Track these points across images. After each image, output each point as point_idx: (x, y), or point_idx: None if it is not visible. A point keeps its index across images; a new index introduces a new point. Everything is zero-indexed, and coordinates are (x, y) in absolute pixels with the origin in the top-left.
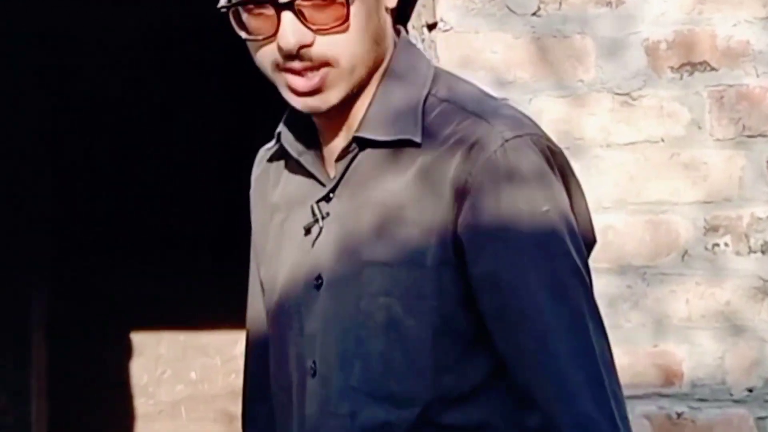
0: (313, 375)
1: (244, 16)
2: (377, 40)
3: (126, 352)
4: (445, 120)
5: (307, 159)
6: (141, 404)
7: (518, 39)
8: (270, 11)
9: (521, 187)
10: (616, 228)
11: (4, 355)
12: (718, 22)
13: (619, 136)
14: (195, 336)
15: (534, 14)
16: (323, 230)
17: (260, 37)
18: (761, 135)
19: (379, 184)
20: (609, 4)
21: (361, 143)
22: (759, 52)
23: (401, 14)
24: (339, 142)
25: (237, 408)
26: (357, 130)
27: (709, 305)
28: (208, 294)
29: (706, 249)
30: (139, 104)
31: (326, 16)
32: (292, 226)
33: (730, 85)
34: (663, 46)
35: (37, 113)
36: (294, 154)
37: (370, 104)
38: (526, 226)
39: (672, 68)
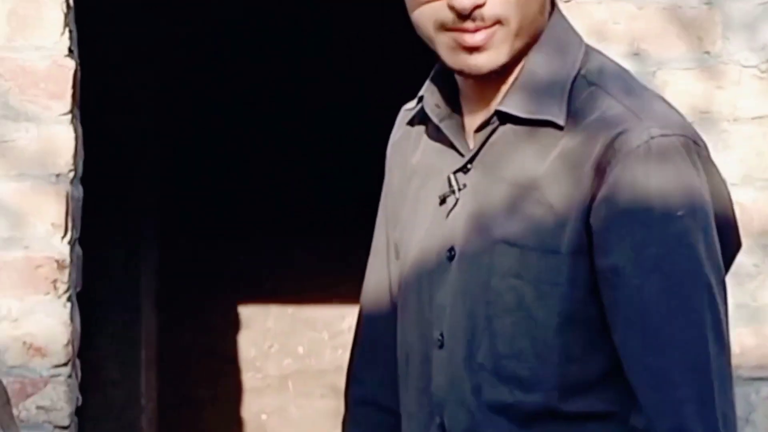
0: (440, 347)
1: None
2: (540, 10)
3: (234, 325)
4: (592, 106)
5: (448, 126)
6: (249, 378)
7: (642, 9)
8: None
9: (659, 187)
10: (743, 204)
11: (115, 329)
12: None
13: (746, 110)
14: (303, 310)
15: None
16: (459, 202)
17: None
18: None
19: (517, 162)
20: None
21: (503, 117)
22: None
23: None
24: (482, 113)
25: (344, 383)
26: (500, 104)
27: None
28: (317, 267)
29: None
30: (249, 78)
31: None
32: (428, 194)
33: None
34: None
35: (147, 89)
36: (435, 119)
37: (516, 77)
38: (656, 228)
39: None
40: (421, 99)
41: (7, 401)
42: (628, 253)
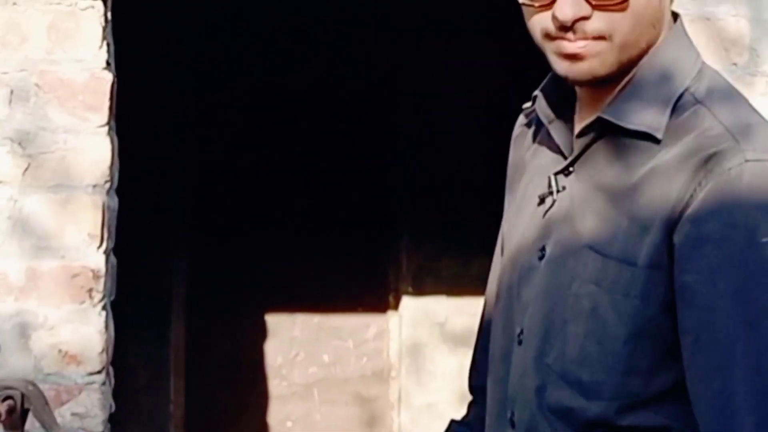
0: (520, 343)
1: None
2: (653, 23)
3: (261, 333)
4: (693, 123)
5: (556, 128)
6: (275, 386)
7: None
8: None
9: (746, 211)
10: None
11: (145, 334)
12: None
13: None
14: (328, 319)
15: None
16: (556, 203)
17: (536, 4)
18: None
19: (614, 171)
20: None
21: (605, 125)
22: None
23: None
24: (589, 118)
25: (368, 391)
26: (604, 111)
27: None
28: (342, 277)
29: None
30: (280, 87)
31: None
32: (533, 192)
33: None
34: None
35: (181, 93)
36: (544, 120)
37: (624, 87)
38: (738, 252)
39: None
40: (534, 99)
41: (46, 402)
42: (706, 274)
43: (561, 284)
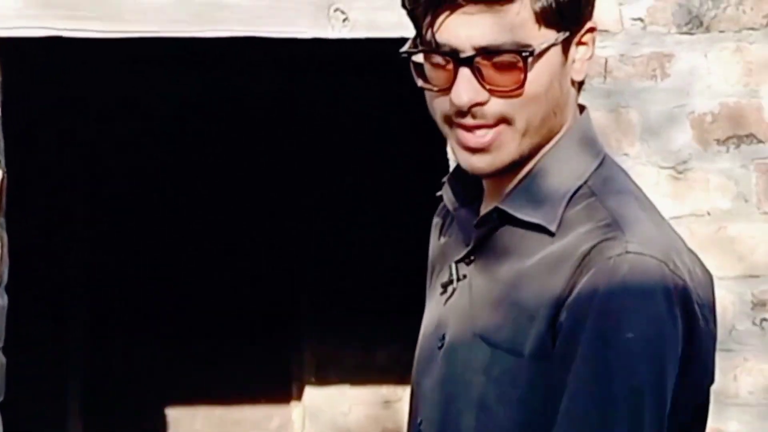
0: None
1: (425, 65)
2: (555, 111)
3: (161, 428)
4: (586, 215)
5: (461, 215)
6: None
7: None
8: (449, 64)
9: (616, 304)
10: None
11: None
12: (765, 94)
13: (664, 210)
14: (230, 411)
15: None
16: (456, 291)
17: (435, 89)
18: None
19: (508, 261)
20: (654, 77)
21: (503, 214)
22: None
23: None
24: (488, 207)
25: None
26: (502, 201)
27: (758, 381)
28: (244, 368)
29: (754, 324)
30: (175, 181)
31: (503, 78)
32: (438, 280)
33: None
34: (709, 118)
35: (75, 193)
36: (450, 207)
37: (523, 178)
38: (601, 345)
39: (718, 141)
40: (442, 186)
41: None
42: (569, 359)
43: (456, 374)
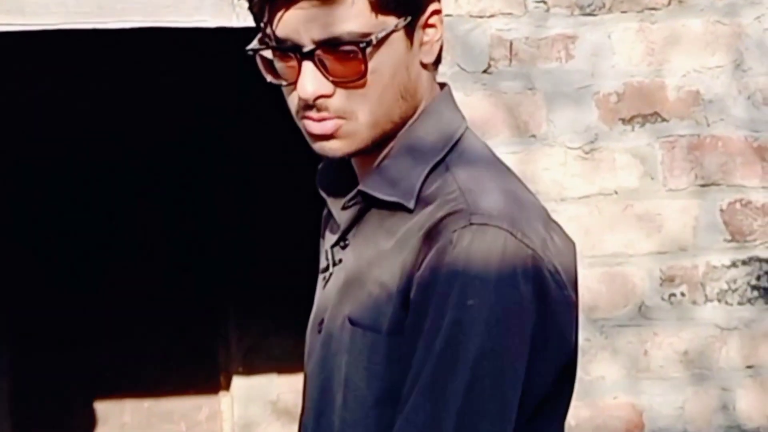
0: (308, 415)
1: (275, 61)
2: (404, 96)
3: (90, 421)
4: (439, 191)
5: (333, 201)
6: None
7: (469, 96)
8: (293, 59)
9: (459, 275)
10: None
11: None
12: (667, 73)
13: (572, 190)
14: (159, 402)
15: (485, 71)
16: (332, 276)
17: (284, 83)
18: (714, 184)
19: (373, 242)
20: (558, 59)
21: (366, 196)
22: (709, 101)
23: None
24: (354, 189)
25: None
26: (363, 183)
27: (668, 355)
28: (172, 359)
29: (663, 299)
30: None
31: (346, 69)
32: (320, 267)
33: (682, 136)
34: (613, 98)
35: None
36: (324, 195)
37: (384, 157)
38: (445, 314)
39: (623, 120)
40: (317, 176)
41: None
42: (424, 333)
43: (329, 357)
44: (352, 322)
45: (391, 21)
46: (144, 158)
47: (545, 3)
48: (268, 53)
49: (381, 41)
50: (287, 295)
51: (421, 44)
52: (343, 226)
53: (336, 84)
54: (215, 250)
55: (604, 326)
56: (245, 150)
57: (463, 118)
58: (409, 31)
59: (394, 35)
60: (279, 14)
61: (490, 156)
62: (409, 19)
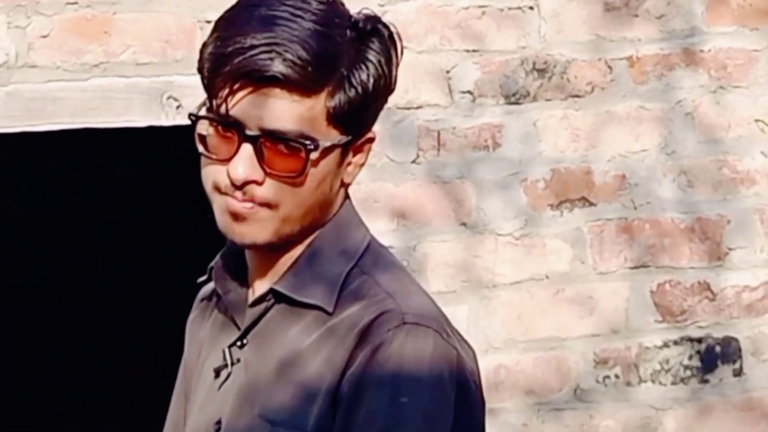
0: None
1: (209, 131)
2: (321, 206)
3: None
4: (360, 292)
5: (231, 299)
6: None
7: (399, 187)
8: (234, 137)
9: (394, 371)
10: (508, 367)
11: None
12: (593, 158)
13: (504, 276)
14: None
15: (413, 161)
16: (231, 375)
17: (214, 156)
18: (643, 266)
19: (284, 340)
20: (486, 147)
21: (277, 296)
22: (635, 184)
23: None
24: (261, 288)
25: None
26: (277, 283)
27: None
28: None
29: (598, 381)
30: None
31: (284, 164)
32: (209, 366)
33: (609, 219)
34: (541, 184)
35: None
36: (220, 291)
37: (297, 260)
38: (379, 411)
39: (552, 206)
40: (210, 271)
41: None
42: (358, 425)
43: None
44: (268, 420)
45: (336, 135)
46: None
47: (471, 93)
48: (205, 128)
49: (324, 150)
50: None
51: (349, 164)
52: (247, 324)
53: (268, 174)
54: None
55: (540, 410)
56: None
57: (365, 226)
58: (345, 150)
59: (334, 149)
60: (238, 92)
61: (397, 261)
62: (350, 138)
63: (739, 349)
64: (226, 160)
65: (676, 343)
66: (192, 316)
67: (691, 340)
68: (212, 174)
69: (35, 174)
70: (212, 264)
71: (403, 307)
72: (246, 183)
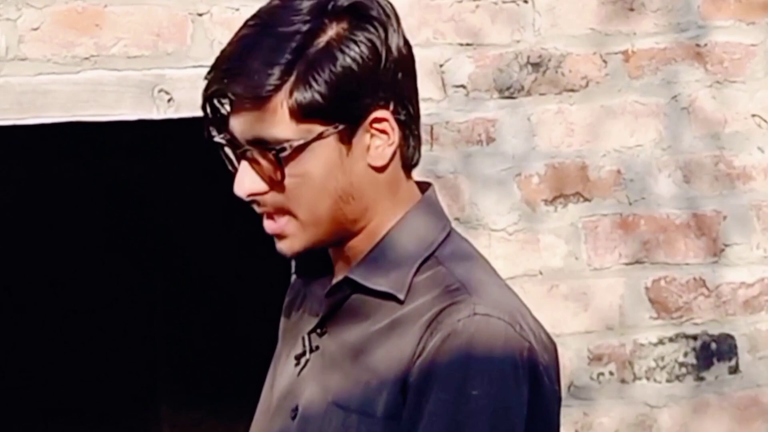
0: None
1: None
2: (344, 198)
3: None
4: (433, 282)
5: (312, 288)
6: None
7: None
8: (233, 155)
9: (464, 363)
10: None
11: None
12: (588, 153)
13: (498, 272)
14: None
15: None
16: (309, 362)
17: (234, 172)
18: (638, 262)
19: (359, 328)
20: (480, 141)
21: (353, 284)
22: (630, 180)
23: None
24: (339, 277)
25: None
26: (351, 272)
27: None
28: None
29: (592, 379)
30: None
31: (271, 171)
32: (292, 353)
33: (604, 215)
34: (535, 180)
35: None
36: (303, 281)
37: (373, 249)
38: (449, 402)
39: (546, 201)
40: (297, 261)
41: None
42: (425, 420)
43: None
44: (341, 406)
45: (316, 128)
46: (68, 249)
47: (465, 87)
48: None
49: (300, 148)
50: (219, 383)
51: (368, 148)
52: (324, 312)
53: (269, 184)
54: (150, 337)
55: None
56: (170, 240)
57: (447, 218)
58: (346, 137)
59: (323, 141)
60: (220, 114)
61: (477, 253)
62: (340, 127)
63: (735, 346)
64: None
65: (671, 339)
66: (286, 301)
67: (686, 337)
68: None
69: (26, 167)
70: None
71: (474, 298)
72: (251, 196)
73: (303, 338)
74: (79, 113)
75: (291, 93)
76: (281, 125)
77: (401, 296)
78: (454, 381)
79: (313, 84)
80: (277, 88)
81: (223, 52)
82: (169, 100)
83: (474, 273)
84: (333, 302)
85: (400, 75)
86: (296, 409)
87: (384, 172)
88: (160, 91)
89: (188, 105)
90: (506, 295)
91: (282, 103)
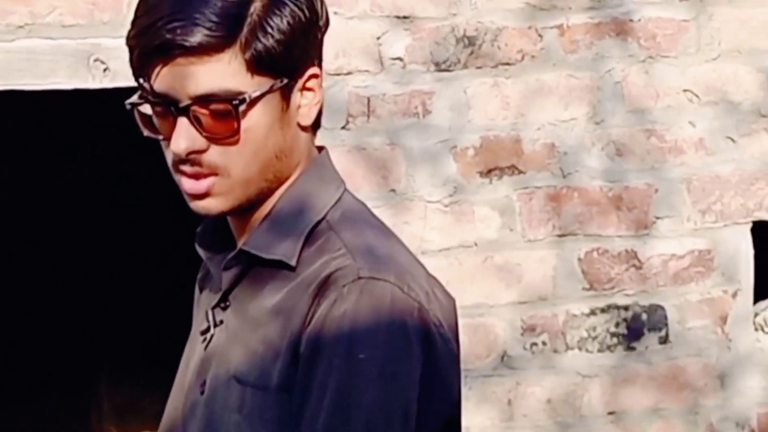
0: None
1: (153, 114)
2: (279, 156)
3: None
4: (323, 248)
5: (214, 262)
6: None
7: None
8: (170, 114)
9: (349, 329)
10: None
11: None
12: (523, 126)
13: (432, 243)
14: None
15: (343, 128)
16: (214, 337)
17: (161, 137)
18: (571, 234)
19: (256, 300)
20: (416, 114)
21: (248, 256)
22: (564, 153)
23: None
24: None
25: None
26: (245, 243)
27: (531, 404)
28: (43, 425)
29: (525, 349)
30: None
31: (220, 127)
32: (198, 329)
33: (538, 187)
34: (471, 152)
35: None
36: (203, 256)
37: (265, 217)
38: (336, 369)
39: (481, 173)
40: (196, 236)
41: None
42: (313, 388)
43: (216, 417)
44: (239, 380)
45: (267, 82)
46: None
47: (401, 60)
48: (146, 108)
49: (255, 100)
50: (161, 355)
51: (299, 107)
52: (224, 287)
53: (210, 140)
54: (90, 310)
55: (467, 377)
56: (127, 208)
57: (341, 179)
58: (286, 92)
59: (270, 96)
60: (157, 69)
61: (369, 215)
62: (285, 81)
63: (665, 318)
64: (170, 138)
65: (603, 310)
66: (199, 276)
67: (617, 308)
68: (167, 154)
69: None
70: (198, 229)
71: (359, 262)
72: (190, 154)
73: (207, 313)
74: (14, 82)
75: (247, 43)
76: (235, 77)
77: (292, 263)
78: (340, 348)
79: (265, 38)
80: (233, 39)
81: (148, 4)
82: (104, 70)
83: (362, 237)
84: (231, 276)
85: (323, 35)
86: (204, 384)
87: (307, 132)
88: (96, 60)
89: (124, 74)
90: (395, 257)
91: (236, 55)
